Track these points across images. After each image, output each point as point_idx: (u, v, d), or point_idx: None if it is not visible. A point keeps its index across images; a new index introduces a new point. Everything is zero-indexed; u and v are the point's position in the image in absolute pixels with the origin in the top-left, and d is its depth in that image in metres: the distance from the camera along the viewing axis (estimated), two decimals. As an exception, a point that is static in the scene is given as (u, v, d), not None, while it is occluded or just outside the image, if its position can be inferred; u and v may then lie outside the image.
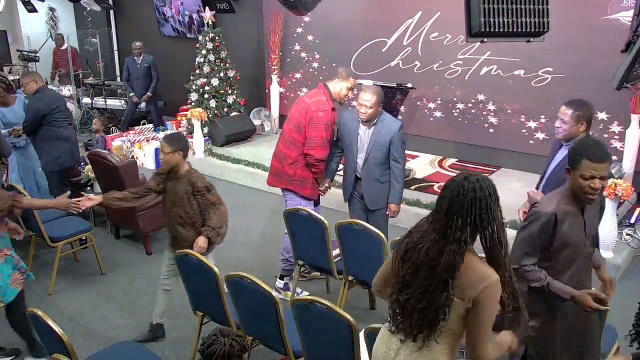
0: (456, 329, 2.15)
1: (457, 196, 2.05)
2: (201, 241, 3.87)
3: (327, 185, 4.66)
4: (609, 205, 5.01)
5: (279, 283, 4.74)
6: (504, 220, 2.15)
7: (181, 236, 3.95)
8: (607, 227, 4.98)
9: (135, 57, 9.14)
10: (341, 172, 5.20)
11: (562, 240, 2.71)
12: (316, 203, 4.72)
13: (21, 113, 5.70)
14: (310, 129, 4.34)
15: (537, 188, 3.73)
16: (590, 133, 6.19)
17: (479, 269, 2.08)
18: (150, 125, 9.32)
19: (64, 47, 10.66)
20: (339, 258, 4.23)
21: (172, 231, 4.05)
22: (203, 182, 3.88)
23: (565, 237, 2.71)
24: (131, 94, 9.31)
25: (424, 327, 2.14)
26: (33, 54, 9.95)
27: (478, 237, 2.13)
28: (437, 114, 7.39)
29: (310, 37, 8.42)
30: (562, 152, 3.60)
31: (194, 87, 8.52)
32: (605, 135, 6.09)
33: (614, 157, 5.99)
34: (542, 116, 6.53)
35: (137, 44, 9.17)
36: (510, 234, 5.69)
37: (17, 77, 10.14)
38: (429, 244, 2.11)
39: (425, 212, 5.88)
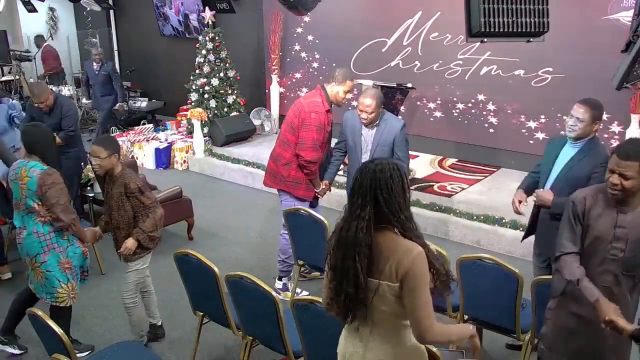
0: (398, 311, 2.18)
1: (359, 177, 2.19)
2: (129, 243, 3.72)
3: (324, 187, 4.64)
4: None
5: (278, 284, 4.74)
6: (409, 201, 2.22)
7: (120, 240, 3.80)
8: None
9: (94, 64, 8.69)
10: (342, 173, 5.20)
11: (587, 225, 2.73)
12: (313, 204, 4.71)
13: (3, 123, 5.62)
14: (302, 130, 4.34)
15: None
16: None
17: (401, 244, 2.15)
18: (151, 125, 9.32)
19: (43, 46, 10.57)
20: (339, 258, 4.23)
21: (113, 236, 3.90)
22: (135, 184, 3.69)
23: (591, 224, 2.71)
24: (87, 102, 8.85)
25: (355, 308, 2.19)
26: (27, 54, 9.90)
27: None
28: (437, 114, 7.39)
29: (310, 37, 8.41)
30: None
31: (194, 87, 8.52)
32: (605, 135, 6.09)
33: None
34: (542, 116, 6.53)
35: (99, 49, 8.84)
36: (511, 234, 5.63)
37: (17, 78, 10.17)
38: (342, 224, 2.23)
39: (425, 212, 5.94)
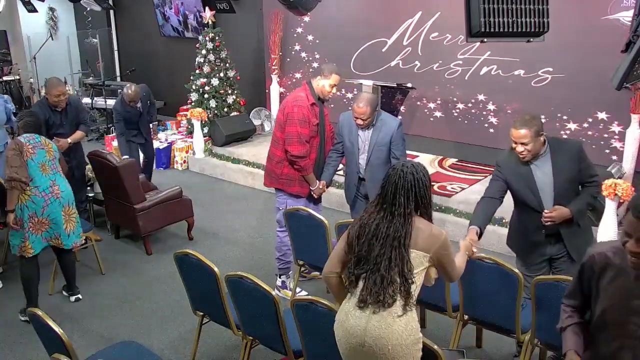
0: (419, 279, 2.58)
1: (399, 179, 2.59)
2: None
3: (320, 186, 4.62)
4: (610, 206, 5.00)
5: (278, 281, 4.76)
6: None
7: None
8: (607, 227, 4.98)
9: (132, 104, 6.38)
10: (341, 173, 5.21)
11: (597, 293, 2.19)
12: (316, 203, 4.71)
13: (2, 116, 5.70)
14: (287, 125, 4.38)
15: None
16: (590, 133, 6.23)
17: (431, 229, 2.62)
18: (151, 125, 9.30)
19: None
20: (339, 258, 4.23)
21: None
22: None
23: (601, 291, 2.17)
24: (134, 135, 6.69)
25: (399, 294, 2.49)
26: (4, 57, 9.71)
27: None
28: (437, 114, 7.39)
29: (310, 37, 8.41)
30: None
31: (194, 87, 8.52)
32: (605, 135, 6.09)
33: (614, 157, 6.02)
34: (542, 116, 6.47)
35: (136, 88, 6.36)
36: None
37: (17, 78, 10.16)
38: (377, 220, 2.59)
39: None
